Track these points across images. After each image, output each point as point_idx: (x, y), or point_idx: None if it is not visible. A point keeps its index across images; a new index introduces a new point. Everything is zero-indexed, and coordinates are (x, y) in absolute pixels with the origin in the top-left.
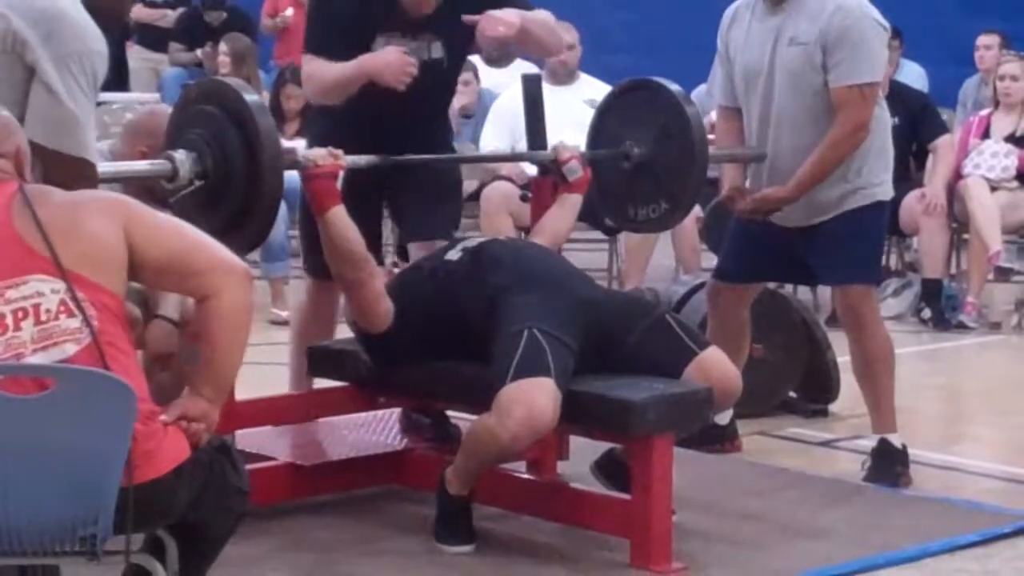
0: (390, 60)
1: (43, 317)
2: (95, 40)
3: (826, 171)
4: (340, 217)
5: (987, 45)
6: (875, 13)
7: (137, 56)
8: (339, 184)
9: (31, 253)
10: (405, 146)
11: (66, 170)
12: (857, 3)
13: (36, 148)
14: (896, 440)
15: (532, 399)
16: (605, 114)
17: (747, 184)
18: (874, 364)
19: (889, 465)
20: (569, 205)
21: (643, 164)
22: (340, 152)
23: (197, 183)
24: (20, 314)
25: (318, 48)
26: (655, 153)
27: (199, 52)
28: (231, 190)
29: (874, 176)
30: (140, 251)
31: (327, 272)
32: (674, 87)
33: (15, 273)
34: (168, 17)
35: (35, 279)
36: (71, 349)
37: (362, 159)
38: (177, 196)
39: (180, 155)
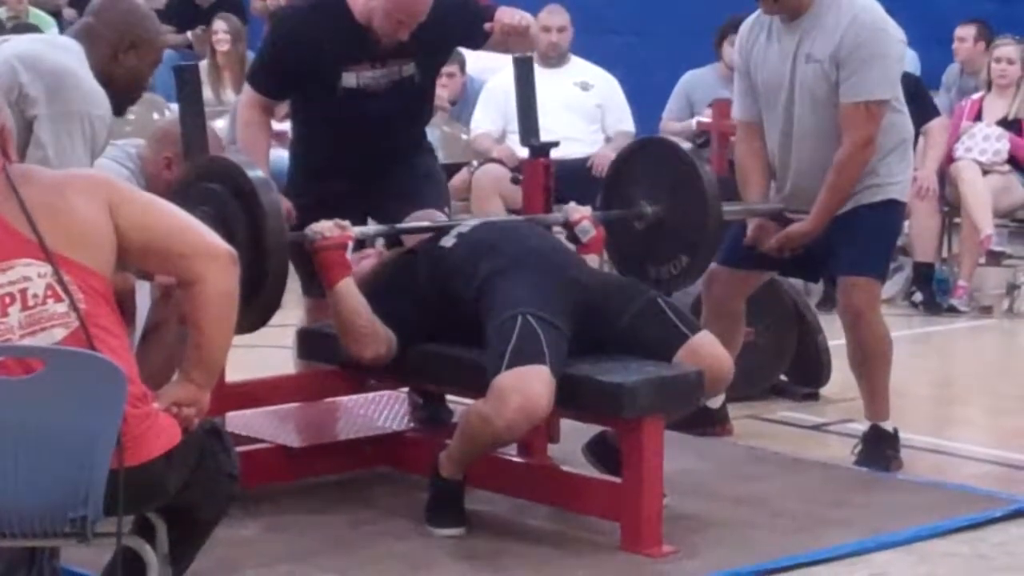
0: None
1: (30, 302)
2: (98, 104)
3: (843, 193)
4: (350, 288)
5: (962, 37)
6: (891, 27)
7: None
8: (348, 251)
9: (16, 236)
10: (384, 160)
11: None
12: (872, 18)
13: None
14: (887, 424)
15: (528, 387)
16: (616, 176)
17: (771, 196)
18: (872, 359)
19: (880, 449)
20: None
21: (658, 222)
22: (347, 223)
23: None
24: (7, 300)
25: (260, 87)
26: (669, 210)
27: (189, 34)
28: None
29: (890, 175)
30: (123, 231)
31: (322, 290)
32: (683, 143)
33: (1, 258)
34: None
35: (21, 263)
36: (59, 334)
37: (371, 229)
38: None
39: None
